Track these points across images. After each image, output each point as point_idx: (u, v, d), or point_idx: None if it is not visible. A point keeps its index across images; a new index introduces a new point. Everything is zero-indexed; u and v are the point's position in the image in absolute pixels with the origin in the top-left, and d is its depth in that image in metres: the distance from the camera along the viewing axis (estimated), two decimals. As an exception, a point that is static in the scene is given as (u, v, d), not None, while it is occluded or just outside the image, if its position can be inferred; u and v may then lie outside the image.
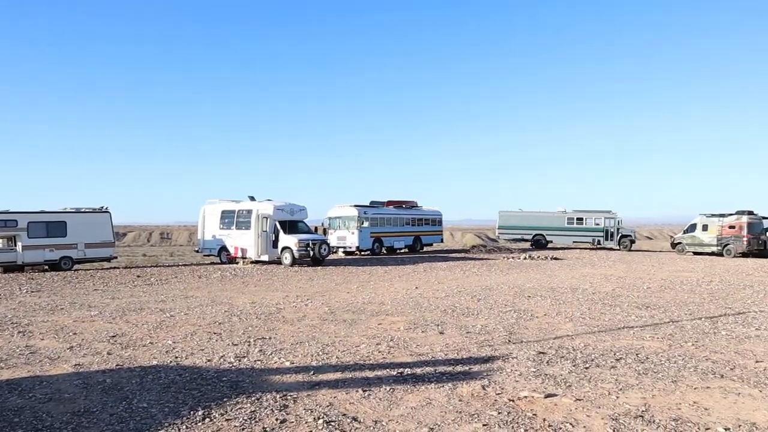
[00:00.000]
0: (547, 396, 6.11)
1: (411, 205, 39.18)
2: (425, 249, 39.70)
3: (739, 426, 5.35)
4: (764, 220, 34.83)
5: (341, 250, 34.32)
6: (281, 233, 26.07)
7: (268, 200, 27.39)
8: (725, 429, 5.26)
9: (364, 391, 6.34)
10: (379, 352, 8.33)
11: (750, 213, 33.89)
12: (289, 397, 6.11)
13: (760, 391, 6.45)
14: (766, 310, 12.51)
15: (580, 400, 6.02)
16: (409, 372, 7.16)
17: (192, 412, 5.66)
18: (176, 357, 8.10)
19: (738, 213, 33.99)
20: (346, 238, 33.94)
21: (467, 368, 7.34)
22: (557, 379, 6.80)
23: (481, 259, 30.85)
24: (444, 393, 6.25)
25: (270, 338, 9.40)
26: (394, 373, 7.12)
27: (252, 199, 27.88)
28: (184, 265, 28.12)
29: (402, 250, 37.52)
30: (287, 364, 7.64)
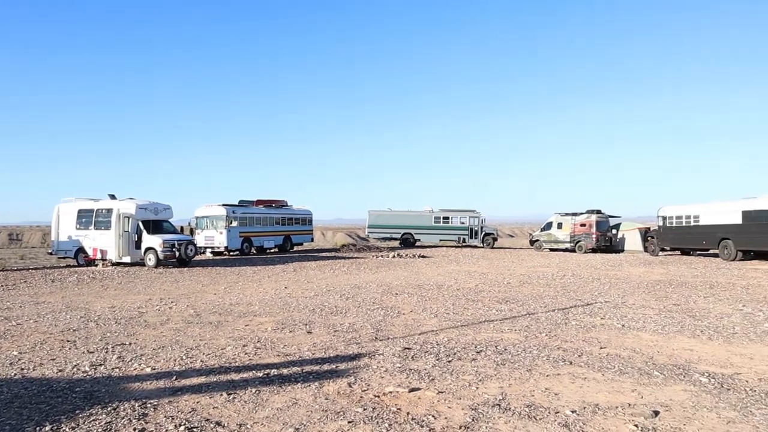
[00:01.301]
0: (411, 390, 6.28)
1: (281, 205, 38.80)
2: (296, 249, 39.49)
3: (584, 408, 5.77)
4: (610, 219, 37.86)
5: (209, 250, 33.36)
6: (144, 233, 24.91)
7: (130, 199, 26.05)
8: (572, 411, 5.64)
9: (228, 394, 6.19)
10: (246, 353, 8.18)
11: (598, 212, 36.72)
12: (149, 405, 5.84)
13: (603, 375, 7.00)
14: (610, 300, 13.58)
15: (442, 392, 6.23)
16: (275, 373, 7.08)
17: (38, 428, 5.26)
18: (22, 369, 7.50)
19: (588, 212, 36.70)
20: (214, 238, 33.02)
21: (334, 366, 7.38)
22: (421, 373, 7.00)
23: (351, 258, 31.13)
24: (310, 392, 6.24)
25: (130, 344, 8.94)
26: (260, 374, 7.01)
27: (112, 197, 26.37)
28: (36, 268, 26.09)
29: (272, 250, 37.07)
30: (148, 370, 7.31)
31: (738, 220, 25.97)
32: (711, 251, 28.86)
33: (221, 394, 6.18)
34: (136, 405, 5.85)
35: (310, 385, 6.50)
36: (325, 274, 21.24)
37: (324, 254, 34.92)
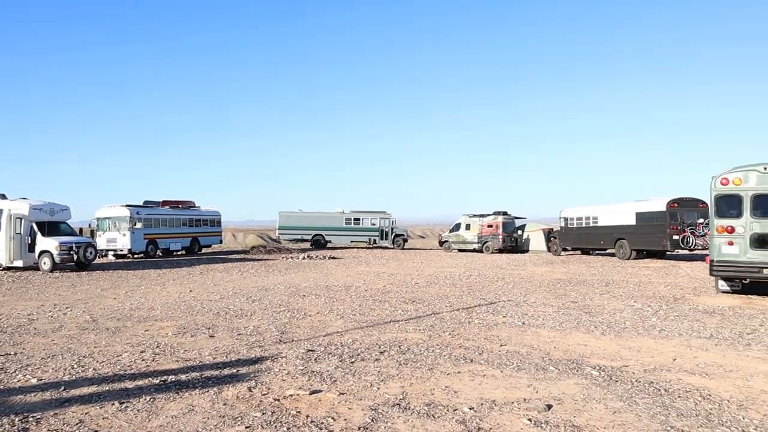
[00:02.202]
0: (312, 392, 6.22)
1: (188, 206, 37.72)
2: (204, 251, 38.48)
3: (482, 404, 5.91)
4: (516, 220, 39.12)
5: (111, 253, 31.98)
6: (39, 236, 23.54)
7: (23, 198, 24.53)
8: (470, 408, 5.76)
9: (120, 403, 5.92)
10: (143, 360, 7.87)
11: (505, 213, 37.88)
12: (31, 419, 5.49)
13: (502, 372, 7.20)
14: (513, 299, 14.00)
15: (343, 394, 6.22)
16: (173, 379, 6.84)
17: None
18: None
19: (495, 213, 37.78)
20: (116, 240, 31.69)
21: (235, 371, 7.22)
22: (323, 375, 6.96)
23: (261, 259, 30.67)
24: (208, 398, 6.07)
25: (15, 354, 8.40)
26: (157, 381, 6.76)
27: (2, 197, 24.73)
28: None
29: (179, 252, 35.96)
30: (33, 381, 6.88)
31: (632, 221, 27.42)
32: (608, 251, 30.28)
33: (113, 404, 5.91)
34: (17, 419, 5.49)
35: (208, 391, 6.33)
36: (233, 276, 20.82)
37: (233, 256, 34.21)
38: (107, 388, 6.51)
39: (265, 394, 6.19)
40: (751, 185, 13.51)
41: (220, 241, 41.77)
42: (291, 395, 6.16)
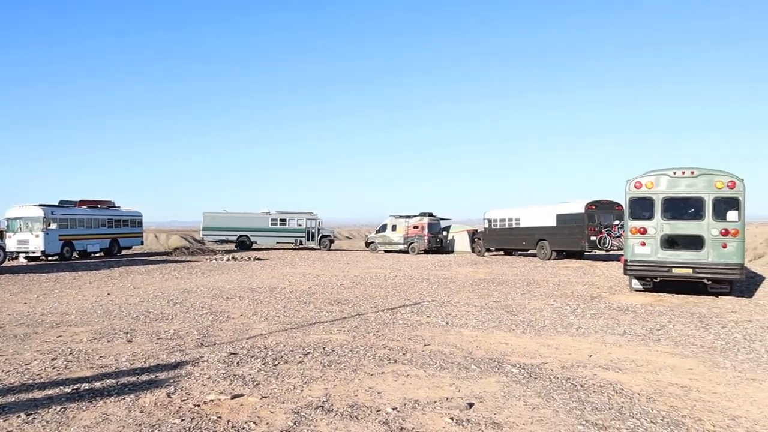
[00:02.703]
0: (234, 397, 6.10)
1: (107, 206, 36.36)
2: (124, 252, 37.18)
3: (405, 404, 5.95)
4: (441, 221, 39.67)
5: (23, 255, 30.45)
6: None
7: None
8: (393, 408, 5.79)
9: (27, 415, 5.62)
10: (54, 368, 7.50)
11: (430, 215, 38.36)
12: (-73, 432, 5.16)
13: (425, 371, 7.27)
14: (437, 299, 14.18)
15: (266, 397, 6.13)
16: (86, 387, 6.56)
17: None
18: None
19: (421, 215, 38.20)
20: (28, 241, 30.18)
21: (154, 377, 6.99)
22: (246, 378, 6.84)
23: (184, 261, 29.89)
24: (124, 406, 5.85)
25: None
26: (69, 390, 6.46)
27: None
28: None
29: (97, 254, 34.60)
30: (-68, 392, 6.46)
31: (553, 222, 28.28)
32: (530, 251, 31.11)
33: (19, 416, 5.60)
34: None
35: (124, 398, 6.10)
36: (154, 278, 20.20)
37: (155, 258, 33.19)
38: (13, 399, 6.17)
39: (184, 400, 6.03)
40: (662, 188, 14.18)
41: (141, 243, 40.50)
42: (212, 400, 6.02)
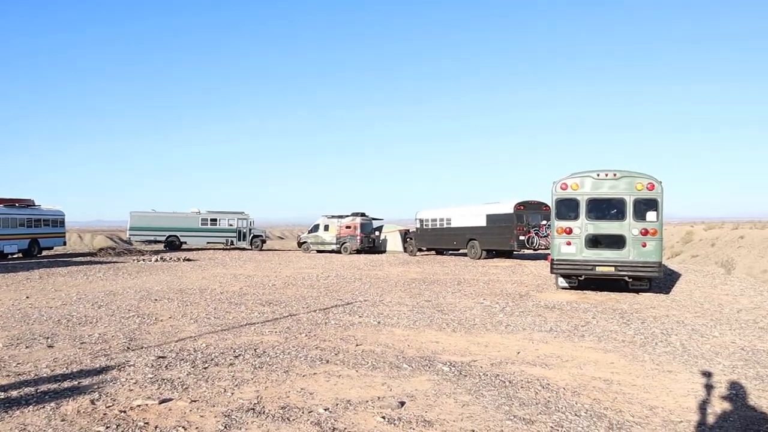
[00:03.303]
0: (162, 402, 5.96)
1: (26, 204, 34.71)
2: (45, 253, 35.63)
3: (337, 404, 5.96)
4: (374, 221, 39.82)
5: (-69, 257, 28.78)
6: None
7: None
8: (325, 409, 5.79)
9: (-61, 425, 5.34)
10: (-32, 376, 7.14)
11: (363, 215, 38.45)
12: None
13: (357, 371, 7.30)
14: (369, 299, 14.24)
15: (195, 401, 6.01)
16: (2, 396, 6.25)
17: None
18: None
19: (353, 215, 38.24)
20: (-62, 243, 28.54)
21: (76, 383, 6.74)
22: (175, 382, 6.69)
23: (109, 262, 28.91)
24: (44, 415, 5.62)
25: None
26: (-17, 398, 6.16)
27: None
28: None
29: (15, 255, 33.01)
30: None
31: (483, 222, 28.81)
32: (461, 251, 31.60)
33: (-71, 426, 5.32)
34: None
35: (44, 407, 5.85)
36: (77, 280, 19.44)
37: (78, 259, 31.94)
38: (-77, 409, 5.84)
39: (109, 407, 5.84)
40: (586, 190, 14.69)
41: (64, 243, 38.91)
42: (138, 406, 5.86)
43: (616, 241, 14.43)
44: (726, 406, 6.22)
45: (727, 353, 8.68)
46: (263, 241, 42.96)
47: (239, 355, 8.12)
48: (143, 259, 30.35)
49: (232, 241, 41.58)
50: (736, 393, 6.65)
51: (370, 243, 37.98)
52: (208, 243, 41.92)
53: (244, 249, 41.63)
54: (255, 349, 8.47)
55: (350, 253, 36.64)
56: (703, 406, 6.16)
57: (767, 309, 12.96)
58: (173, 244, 41.26)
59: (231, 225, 41.60)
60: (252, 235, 42.01)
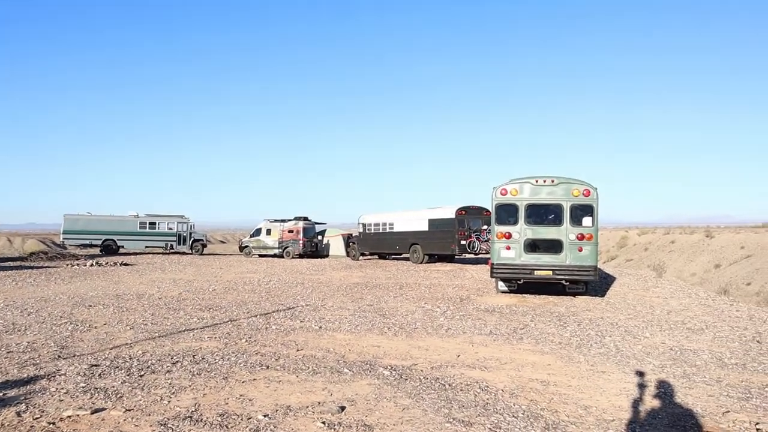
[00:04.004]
0: (94, 412, 5.77)
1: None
2: (-31, 258, 34.09)
3: (277, 410, 5.91)
4: (316, 225, 39.64)
5: None
6: None
7: None
8: (264, 415, 5.73)
9: None
10: None
11: (305, 219, 38.23)
12: None
13: (297, 376, 7.25)
14: (311, 303, 14.16)
15: (130, 410, 5.85)
16: None
17: None
18: None
19: (296, 219, 37.97)
20: None
21: (1, 394, 6.45)
22: (108, 391, 6.49)
23: (41, 267, 27.87)
24: (-33, 426, 5.38)
25: None
26: None
27: None
28: None
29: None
30: None
31: (425, 227, 29.04)
32: (403, 255, 31.77)
33: None
34: None
35: (-33, 418, 5.60)
36: (6, 286, 18.65)
37: (7, 264, 30.64)
38: None
39: (37, 418, 5.62)
40: (525, 196, 15.00)
41: (-9, 248, 37.32)
42: (69, 416, 5.66)
43: (554, 246, 14.77)
44: (655, 403, 6.45)
45: (657, 353, 9.01)
46: (204, 245, 42.23)
47: (177, 361, 7.95)
48: (77, 264, 29.37)
49: (171, 246, 40.68)
50: (665, 391, 6.91)
51: (313, 247, 37.78)
52: (146, 247, 40.90)
53: (184, 253, 40.79)
54: (193, 356, 8.30)
55: (293, 258, 36.37)
56: (634, 405, 6.37)
57: (695, 311, 13.51)
58: (110, 249, 40.09)
59: (170, 229, 40.70)
60: (192, 239, 41.23)
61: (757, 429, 5.67)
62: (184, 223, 41.05)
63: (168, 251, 41.23)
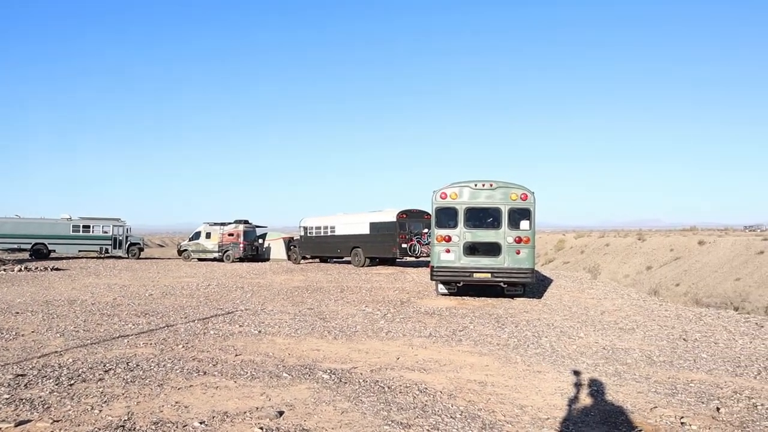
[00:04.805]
0: (19, 424, 5.53)
1: None
2: None
3: (213, 417, 5.80)
4: (257, 228, 39.19)
5: None
6: None
7: None
8: (200, 422, 5.62)
9: None
10: None
11: (246, 222, 37.75)
12: None
13: (235, 382, 7.15)
14: (251, 308, 13.98)
15: (58, 421, 5.64)
16: None
17: None
18: None
19: (236, 222, 37.45)
20: None
21: None
22: (35, 402, 6.23)
23: (-35, 273, 26.60)
24: None
25: None
26: None
27: None
28: None
29: None
30: None
31: (366, 230, 29.07)
32: (345, 258, 31.73)
33: None
34: None
35: None
36: (-75, 294, 17.72)
37: (-73, 270, 29.14)
38: None
39: (-42, 430, 5.37)
40: (464, 199, 15.21)
41: None
42: (-8, 428, 5.43)
43: (492, 249, 15.02)
44: (588, 401, 6.64)
45: (591, 352, 9.28)
46: (141, 249, 41.13)
47: (110, 369, 7.71)
48: (4, 269, 28.12)
49: (106, 249, 39.45)
50: (597, 389, 7.12)
51: (254, 251, 37.33)
52: (80, 251, 39.52)
53: (119, 257, 39.63)
54: (127, 363, 8.07)
55: (233, 261, 35.84)
56: (568, 403, 6.54)
57: (627, 311, 13.98)
58: (40, 253, 38.54)
59: (105, 232, 39.47)
60: (129, 242, 40.09)
61: (682, 423, 5.91)
62: (120, 226, 39.88)
63: (103, 255, 39.98)
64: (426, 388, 7.01)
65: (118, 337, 10.10)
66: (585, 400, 6.72)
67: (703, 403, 6.66)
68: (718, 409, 6.44)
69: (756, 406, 6.55)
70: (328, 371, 7.74)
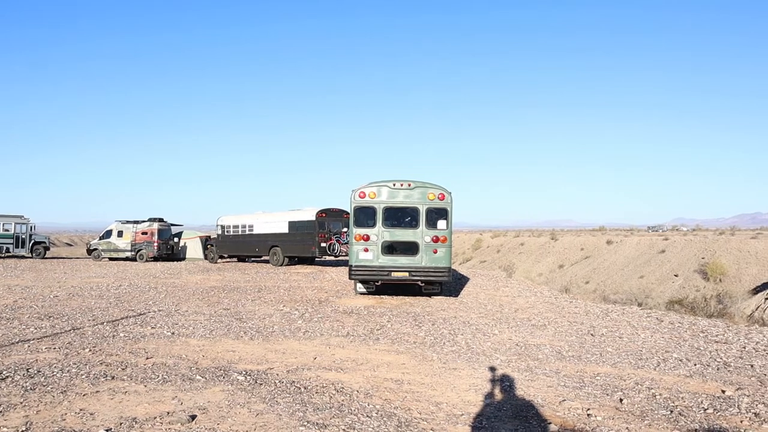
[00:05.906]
0: None
1: None
2: None
3: (121, 423, 5.57)
4: (173, 227, 38.05)
5: None
6: None
7: None
8: (107, 430, 5.38)
9: None
10: None
11: (161, 220, 36.57)
12: None
13: (146, 386, 6.89)
14: (164, 309, 13.55)
15: (-54, 432, 5.27)
16: None
17: None
18: None
19: (150, 220, 36.21)
20: None
21: None
22: None
23: None
24: None
25: None
26: None
27: None
28: None
29: None
30: None
31: (285, 229, 28.77)
32: (263, 258, 31.28)
33: None
34: None
35: None
36: None
37: None
38: None
39: None
40: (383, 199, 15.29)
41: None
42: None
43: (410, 248, 15.17)
44: (501, 396, 6.81)
45: (504, 349, 9.52)
46: (46, 248, 39.09)
47: (7, 377, 7.25)
48: None
49: (8, 249, 37.26)
50: (510, 384, 7.32)
51: (169, 250, 36.21)
52: (-23, 251, 37.22)
53: (22, 257, 37.53)
54: (27, 369, 7.62)
55: (146, 261, 34.64)
56: (482, 399, 6.68)
57: (539, 308, 14.44)
58: (-68, 253, 36.06)
59: (7, 230, 37.27)
60: (33, 241, 38.02)
61: (588, 415, 6.15)
62: (23, 224, 37.76)
63: (4, 255, 37.79)
64: (343, 388, 6.99)
65: (17, 342, 9.54)
66: (498, 395, 6.88)
67: (608, 395, 6.96)
68: (621, 400, 6.75)
69: (655, 396, 6.91)
70: (244, 373, 7.59)
